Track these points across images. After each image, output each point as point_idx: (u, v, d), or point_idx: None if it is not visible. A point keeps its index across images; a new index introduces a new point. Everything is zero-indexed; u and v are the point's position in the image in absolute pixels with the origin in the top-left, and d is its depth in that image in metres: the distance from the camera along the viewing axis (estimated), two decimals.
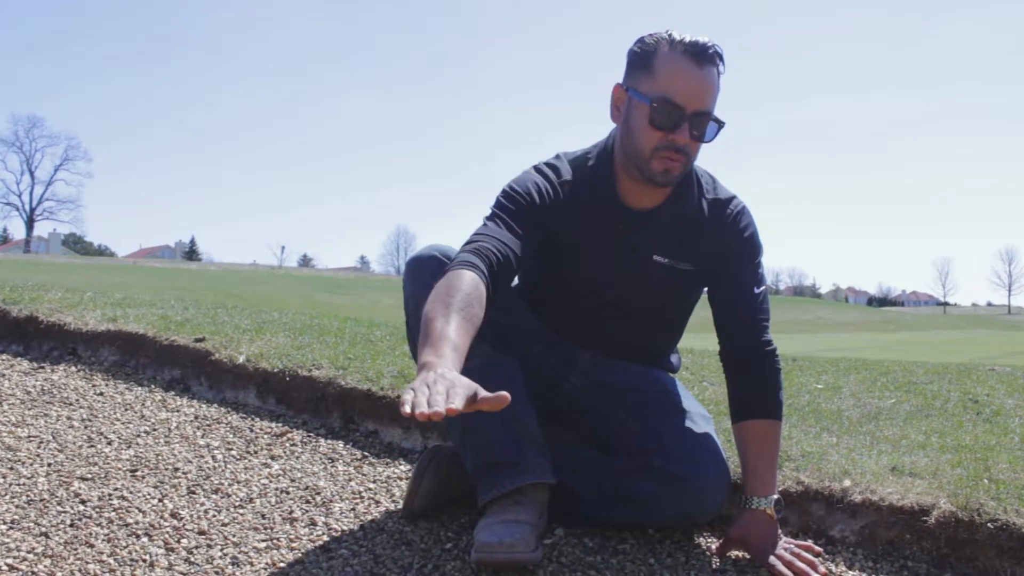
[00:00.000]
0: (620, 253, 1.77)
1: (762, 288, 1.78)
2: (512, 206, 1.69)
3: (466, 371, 1.63)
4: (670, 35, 1.65)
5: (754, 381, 1.76)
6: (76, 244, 71.74)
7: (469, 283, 1.49)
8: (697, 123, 1.63)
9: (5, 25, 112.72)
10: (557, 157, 1.80)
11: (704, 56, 1.62)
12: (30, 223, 60.01)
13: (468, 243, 1.62)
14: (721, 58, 1.65)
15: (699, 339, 3.11)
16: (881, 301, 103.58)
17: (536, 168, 1.77)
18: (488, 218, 1.70)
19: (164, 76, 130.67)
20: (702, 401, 2.20)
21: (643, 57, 1.66)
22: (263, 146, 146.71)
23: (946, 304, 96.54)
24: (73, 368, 2.96)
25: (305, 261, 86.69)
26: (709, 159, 1.82)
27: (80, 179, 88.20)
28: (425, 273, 1.73)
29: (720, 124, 1.66)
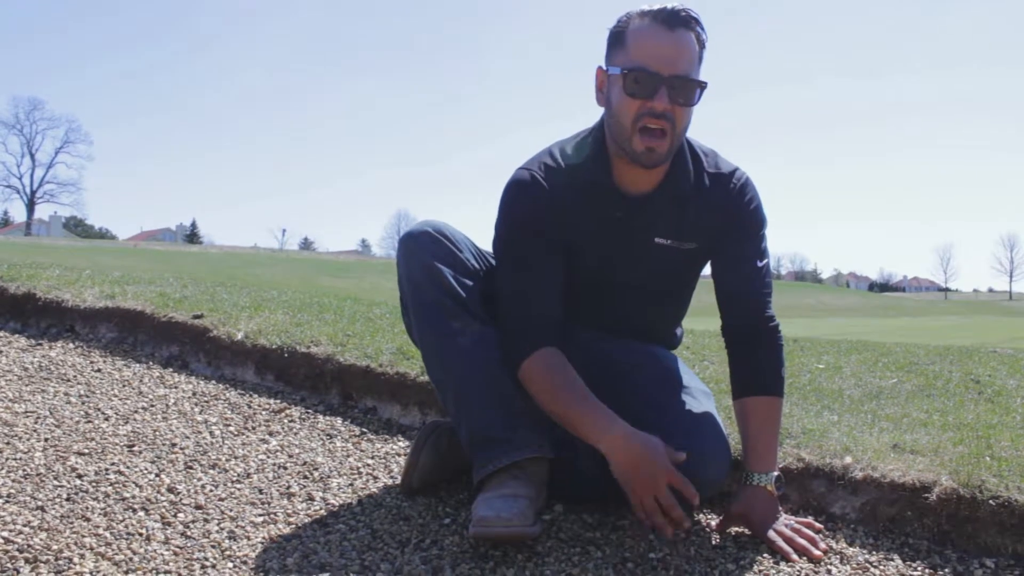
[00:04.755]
0: (622, 239, 1.74)
1: (765, 261, 1.76)
2: (529, 237, 1.69)
3: (457, 349, 1.66)
4: (640, 9, 1.63)
5: (756, 357, 1.74)
6: (77, 227, 71.71)
7: (560, 363, 1.67)
8: (676, 86, 1.59)
9: (5, 7, 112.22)
10: (549, 153, 1.75)
11: (675, 20, 1.60)
12: (31, 206, 60.00)
13: (524, 311, 1.68)
14: (697, 22, 1.62)
15: (699, 321, 3.10)
16: (882, 287, 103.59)
17: (531, 174, 1.71)
18: (514, 260, 1.69)
19: (165, 59, 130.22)
20: (703, 379, 2.19)
21: (617, 34, 1.66)
22: (264, 129, 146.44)
23: (947, 290, 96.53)
24: (71, 345, 2.95)
25: (306, 244, 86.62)
26: (712, 142, 1.79)
27: (81, 162, 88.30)
28: (419, 249, 1.72)
29: (702, 86, 1.62)
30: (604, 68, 1.69)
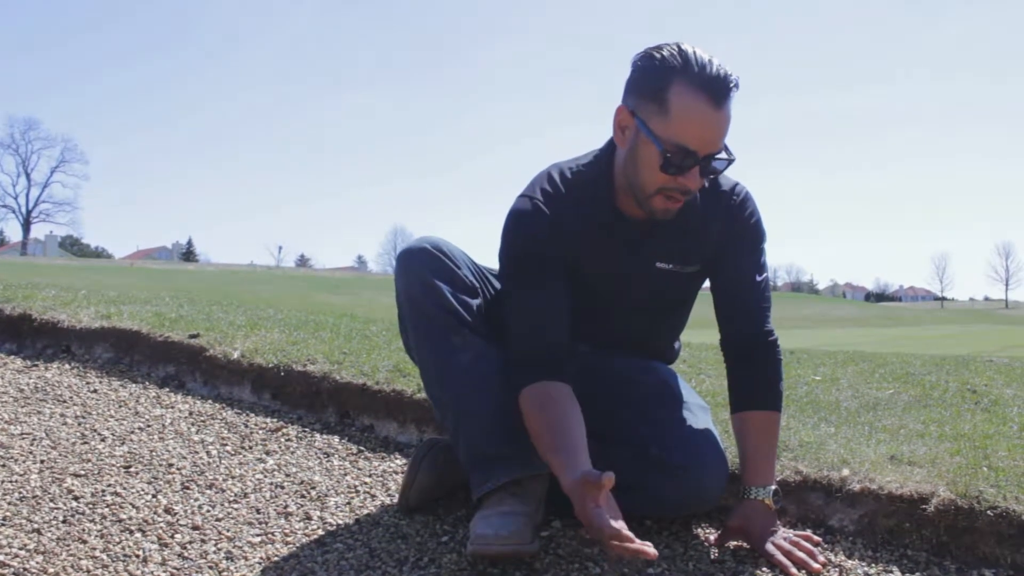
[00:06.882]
0: (624, 263, 1.74)
1: (764, 275, 1.76)
2: (534, 265, 1.66)
3: (457, 365, 1.65)
4: (684, 59, 1.51)
5: (754, 371, 1.74)
6: (73, 246, 71.66)
7: (555, 400, 1.59)
8: (709, 166, 1.57)
9: (1, 26, 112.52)
10: (548, 178, 1.73)
11: (724, 93, 1.51)
12: (26, 225, 59.95)
13: (530, 337, 1.63)
14: (737, 86, 1.54)
15: (696, 334, 3.10)
16: (879, 296, 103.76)
17: (532, 202, 1.69)
18: (520, 287, 1.66)
19: (160, 77, 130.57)
20: (699, 393, 2.19)
21: (654, 86, 1.53)
22: (259, 146, 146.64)
23: (943, 299, 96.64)
24: (67, 366, 2.94)
25: (302, 261, 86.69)
26: None
27: (77, 181, 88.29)
28: (417, 266, 1.72)
29: (731, 161, 1.59)
30: (631, 111, 1.58)
